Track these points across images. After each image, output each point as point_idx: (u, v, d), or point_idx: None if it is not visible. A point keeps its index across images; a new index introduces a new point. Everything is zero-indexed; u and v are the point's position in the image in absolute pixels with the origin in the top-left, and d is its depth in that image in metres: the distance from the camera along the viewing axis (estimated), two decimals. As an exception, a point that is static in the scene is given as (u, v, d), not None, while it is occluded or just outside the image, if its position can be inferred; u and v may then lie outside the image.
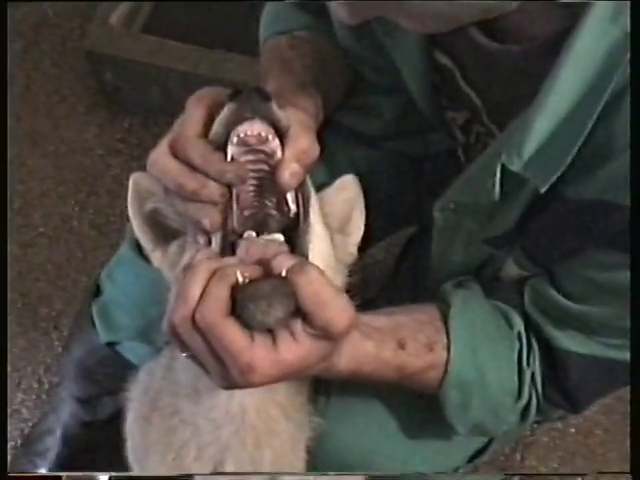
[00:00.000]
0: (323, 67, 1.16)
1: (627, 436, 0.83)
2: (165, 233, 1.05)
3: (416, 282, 1.28)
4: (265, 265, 0.81)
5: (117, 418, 1.21)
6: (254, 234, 0.89)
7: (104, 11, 2.22)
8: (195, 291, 0.78)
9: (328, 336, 0.80)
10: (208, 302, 0.78)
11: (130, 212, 1.04)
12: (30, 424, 1.91)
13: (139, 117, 2.31)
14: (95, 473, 1.10)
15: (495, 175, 0.87)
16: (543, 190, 0.84)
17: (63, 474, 1.15)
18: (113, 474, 1.08)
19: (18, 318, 2.05)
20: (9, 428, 1.92)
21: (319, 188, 1.06)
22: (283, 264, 0.79)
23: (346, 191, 1.10)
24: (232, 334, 0.78)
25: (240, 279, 0.78)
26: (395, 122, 1.25)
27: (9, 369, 1.98)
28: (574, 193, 0.85)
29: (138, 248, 1.13)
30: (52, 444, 1.70)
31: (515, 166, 0.84)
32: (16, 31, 2.44)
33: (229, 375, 0.81)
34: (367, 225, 1.11)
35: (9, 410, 1.94)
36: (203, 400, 0.98)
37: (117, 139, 2.30)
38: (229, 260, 0.83)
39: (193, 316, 0.78)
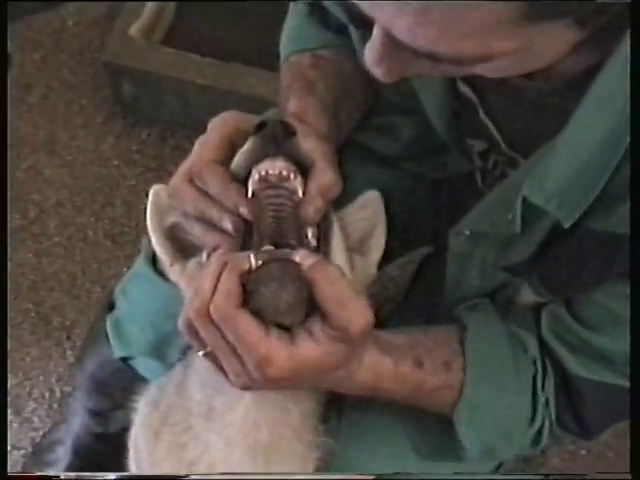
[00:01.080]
0: (345, 88, 1.15)
1: (627, 436, 0.83)
2: (184, 248, 1.04)
3: (430, 301, 1.27)
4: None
5: (128, 432, 1.22)
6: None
7: (123, 22, 2.22)
8: (208, 284, 0.79)
9: (346, 338, 0.80)
10: (220, 294, 0.78)
11: (149, 226, 1.03)
12: (41, 433, 1.92)
13: (156, 129, 2.32)
14: (95, 473, 1.12)
15: (516, 207, 0.86)
16: (567, 225, 0.83)
17: (62, 474, 1.19)
18: (118, 474, 1.08)
19: (31, 327, 2.05)
20: (20, 436, 1.93)
21: (337, 205, 1.05)
22: (305, 260, 0.79)
23: (368, 208, 1.10)
24: (246, 325, 0.78)
25: (253, 262, 0.78)
26: (413, 143, 1.24)
27: (21, 377, 2.00)
28: (597, 225, 0.84)
29: (153, 264, 1.13)
30: (63, 454, 1.69)
31: (537, 199, 0.83)
32: (35, 40, 2.46)
33: (246, 371, 0.81)
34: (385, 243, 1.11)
35: (19, 418, 1.95)
36: (217, 418, 0.98)
37: (134, 150, 2.30)
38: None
39: (208, 309, 0.79)
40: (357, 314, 0.79)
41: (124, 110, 2.33)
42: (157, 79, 2.17)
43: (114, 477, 1.06)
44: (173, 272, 1.04)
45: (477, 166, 1.13)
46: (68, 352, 2.03)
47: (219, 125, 0.93)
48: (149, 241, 1.06)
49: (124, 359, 1.26)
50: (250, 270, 0.78)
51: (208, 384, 0.98)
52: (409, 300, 1.28)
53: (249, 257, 0.78)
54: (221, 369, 0.85)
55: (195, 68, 2.14)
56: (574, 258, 0.90)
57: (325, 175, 0.90)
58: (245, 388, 0.86)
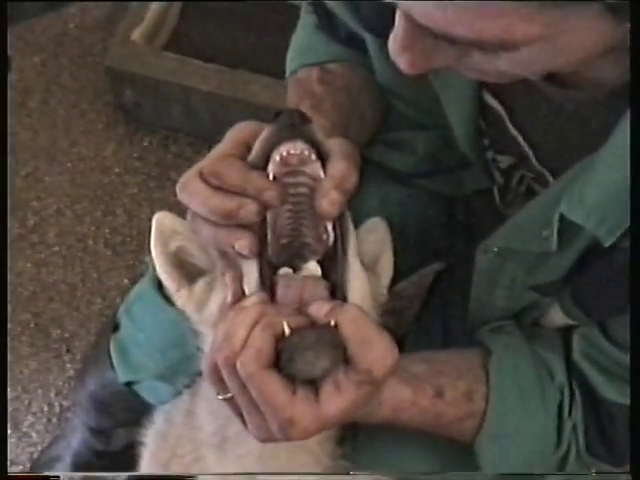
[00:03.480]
0: (354, 105, 1.13)
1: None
2: (190, 272, 1.03)
3: (445, 319, 1.26)
4: (304, 306, 0.81)
5: (131, 449, 1.20)
6: (291, 271, 0.87)
7: (126, 27, 2.19)
8: (240, 335, 0.78)
9: (372, 380, 0.78)
10: (250, 351, 0.77)
11: (154, 252, 1.02)
12: (39, 448, 1.89)
13: (158, 136, 2.29)
14: (105, 473, 1.14)
15: (552, 224, 0.84)
16: (608, 244, 0.81)
17: (60, 474, 1.17)
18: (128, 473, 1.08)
19: (30, 339, 2.03)
20: (17, 452, 1.91)
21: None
22: (321, 309, 0.79)
23: (375, 233, 1.08)
24: (273, 387, 0.77)
25: (287, 330, 0.77)
26: (428, 159, 1.21)
27: (19, 391, 1.97)
28: None
29: (159, 287, 1.10)
30: (62, 471, 1.67)
31: (576, 216, 0.81)
32: (35, 44, 2.43)
33: (268, 427, 0.80)
34: (395, 262, 1.09)
35: (18, 433, 1.93)
36: (232, 448, 0.97)
37: (135, 157, 2.27)
38: (279, 308, 0.81)
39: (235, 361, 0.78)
40: (383, 353, 0.78)
41: (126, 116, 2.30)
42: (159, 85, 2.15)
43: (124, 476, 1.07)
44: (179, 298, 1.02)
45: (497, 183, 1.10)
46: (67, 365, 2.00)
47: (235, 131, 0.91)
48: (154, 267, 1.04)
49: (128, 383, 1.23)
50: (284, 334, 0.77)
51: (219, 413, 0.97)
52: (423, 318, 1.27)
53: (283, 323, 0.77)
54: (240, 417, 0.83)
55: (198, 74, 2.12)
56: (610, 279, 0.87)
57: (341, 165, 0.87)
58: (264, 441, 0.83)
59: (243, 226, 0.86)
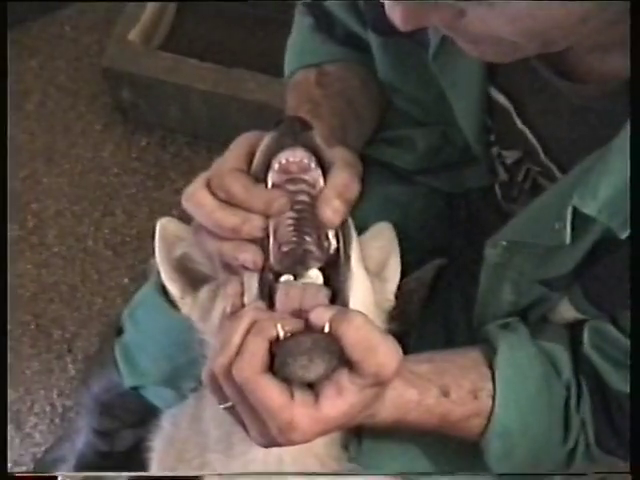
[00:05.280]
0: (352, 107, 1.13)
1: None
2: (195, 279, 1.03)
3: (448, 320, 1.26)
4: (304, 313, 0.80)
5: (135, 450, 1.21)
6: (292, 278, 0.86)
7: (122, 27, 2.19)
8: (235, 341, 0.77)
9: (376, 383, 0.78)
10: (244, 356, 0.76)
11: (158, 259, 1.02)
12: (43, 449, 1.89)
13: (156, 135, 2.29)
14: (107, 473, 1.13)
15: (565, 217, 0.83)
16: (623, 236, 0.80)
17: (59, 474, 1.12)
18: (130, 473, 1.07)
19: (31, 340, 2.03)
20: (21, 452, 1.91)
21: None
22: (323, 317, 0.77)
23: (381, 238, 1.08)
24: (270, 391, 0.76)
25: (281, 333, 0.76)
26: (429, 155, 1.21)
27: (21, 392, 1.97)
28: None
29: (164, 292, 1.10)
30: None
31: (589, 209, 0.81)
32: (31, 47, 2.43)
33: (268, 432, 0.79)
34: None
35: (21, 434, 1.93)
36: (238, 454, 0.96)
37: (134, 157, 2.27)
38: (274, 314, 0.80)
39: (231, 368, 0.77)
40: (388, 357, 0.78)
41: (123, 117, 2.30)
42: (157, 85, 2.14)
43: (126, 477, 1.06)
44: (184, 305, 1.02)
45: (500, 179, 1.10)
46: (70, 365, 2.00)
47: (240, 140, 0.90)
48: (158, 272, 1.04)
49: (133, 387, 1.24)
50: (278, 338, 0.77)
51: (225, 419, 0.95)
52: (425, 316, 1.26)
53: (277, 326, 0.77)
54: (242, 424, 0.83)
55: (195, 73, 2.11)
56: (621, 272, 0.86)
57: (342, 174, 0.87)
58: (266, 447, 0.84)
59: (247, 239, 0.86)
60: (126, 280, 2.09)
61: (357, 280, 0.90)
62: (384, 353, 0.77)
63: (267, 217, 0.86)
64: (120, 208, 2.20)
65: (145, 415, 1.21)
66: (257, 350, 0.76)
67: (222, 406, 0.83)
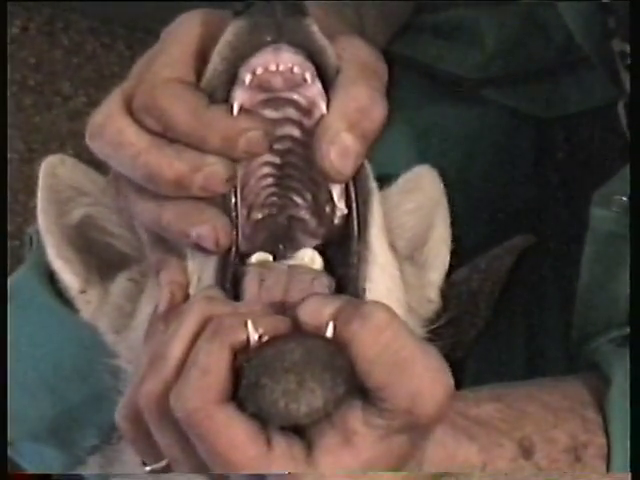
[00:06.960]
0: None
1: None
2: (105, 261, 0.74)
3: (531, 332, 0.98)
4: (291, 307, 0.56)
5: None
6: (270, 257, 0.65)
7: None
8: (174, 354, 0.53)
9: (410, 427, 0.53)
10: (190, 377, 0.51)
11: (41, 222, 0.71)
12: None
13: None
14: (96, 473, 0.90)
15: None
16: None
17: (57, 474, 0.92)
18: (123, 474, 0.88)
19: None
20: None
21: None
22: (322, 312, 0.53)
23: (419, 194, 0.81)
24: (233, 434, 0.51)
25: (253, 337, 0.52)
26: (505, 56, 0.94)
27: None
28: None
29: (51, 280, 0.77)
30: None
31: None
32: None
33: None
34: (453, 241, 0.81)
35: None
36: None
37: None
38: (239, 307, 0.56)
39: (168, 398, 0.52)
40: (428, 381, 0.52)
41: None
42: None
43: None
44: (85, 302, 0.73)
45: (624, 90, 0.82)
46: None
47: (182, 29, 0.63)
48: (41, 247, 0.72)
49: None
50: (248, 345, 0.52)
51: None
52: (495, 327, 1.02)
53: (246, 323, 0.52)
54: None
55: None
56: None
57: (357, 89, 0.60)
58: None
59: (201, 199, 0.60)
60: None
61: (378, 265, 0.67)
62: (422, 375, 0.52)
63: (232, 161, 0.60)
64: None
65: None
66: (212, 366, 0.51)
67: (148, 468, 0.58)
